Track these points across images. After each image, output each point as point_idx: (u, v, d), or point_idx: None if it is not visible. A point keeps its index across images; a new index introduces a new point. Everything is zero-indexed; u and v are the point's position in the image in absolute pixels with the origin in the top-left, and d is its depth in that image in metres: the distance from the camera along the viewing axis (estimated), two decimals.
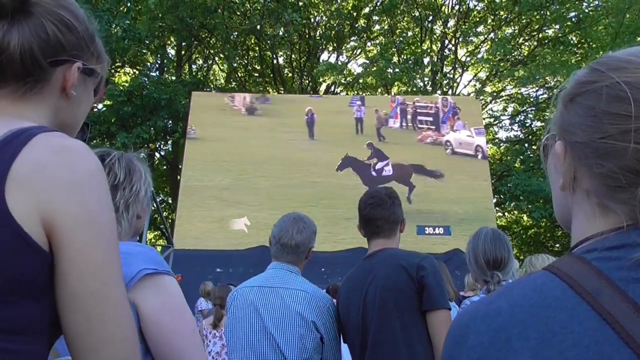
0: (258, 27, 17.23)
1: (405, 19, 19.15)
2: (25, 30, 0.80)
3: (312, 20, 19.27)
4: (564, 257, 0.61)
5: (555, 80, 15.39)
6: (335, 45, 19.75)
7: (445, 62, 18.88)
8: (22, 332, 0.72)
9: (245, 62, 19.87)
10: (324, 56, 20.36)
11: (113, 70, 17.22)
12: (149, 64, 19.08)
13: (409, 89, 17.71)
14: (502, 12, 17.98)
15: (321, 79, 18.31)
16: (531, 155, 16.87)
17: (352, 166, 12.04)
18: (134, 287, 1.26)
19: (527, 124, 19.39)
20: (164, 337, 1.28)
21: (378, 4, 18.13)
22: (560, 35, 17.31)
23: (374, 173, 11.98)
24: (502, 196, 16.00)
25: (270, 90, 19.52)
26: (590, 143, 0.61)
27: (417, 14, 18.43)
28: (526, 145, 18.28)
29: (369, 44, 19.84)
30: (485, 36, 18.68)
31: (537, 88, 17.50)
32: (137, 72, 17.98)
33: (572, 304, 0.54)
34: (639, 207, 0.57)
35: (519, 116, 19.21)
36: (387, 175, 11.84)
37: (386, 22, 18.66)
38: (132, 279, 1.26)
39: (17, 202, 0.70)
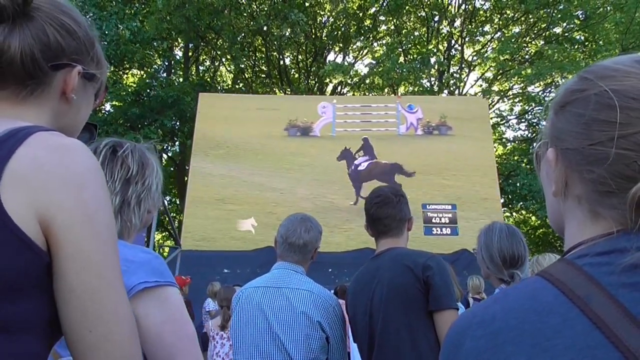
0: (265, 27, 17.27)
1: (412, 19, 19.11)
2: (27, 34, 0.80)
3: (319, 20, 19.28)
4: (556, 263, 0.63)
5: (562, 78, 15.30)
6: (341, 45, 19.73)
7: (452, 62, 18.82)
8: (18, 331, 0.71)
9: (252, 63, 19.90)
10: (331, 57, 20.40)
11: (121, 72, 17.32)
12: (156, 66, 19.16)
13: (416, 89, 17.68)
14: (508, 11, 17.90)
15: (328, 80, 18.31)
16: None
17: (346, 158, 12.28)
18: (131, 299, 1.21)
19: (534, 123, 19.28)
20: (164, 349, 1.25)
21: (384, 4, 18.10)
22: (567, 33, 17.20)
23: (352, 167, 12.19)
24: (509, 196, 15.92)
25: (277, 91, 19.55)
26: (581, 150, 0.62)
27: (423, 14, 18.39)
28: (533, 145, 18.12)
29: (375, 44, 19.81)
30: (492, 35, 18.60)
31: (544, 86, 17.41)
32: (144, 74, 18.07)
33: (564, 310, 0.56)
34: (629, 211, 0.58)
35: (526, 115, 19.11)
36: (360, 170, 12.07)
37: (392, 22, 18.63)
38: (130, 290, 1.23)
39: (14, 200, 0.69)
